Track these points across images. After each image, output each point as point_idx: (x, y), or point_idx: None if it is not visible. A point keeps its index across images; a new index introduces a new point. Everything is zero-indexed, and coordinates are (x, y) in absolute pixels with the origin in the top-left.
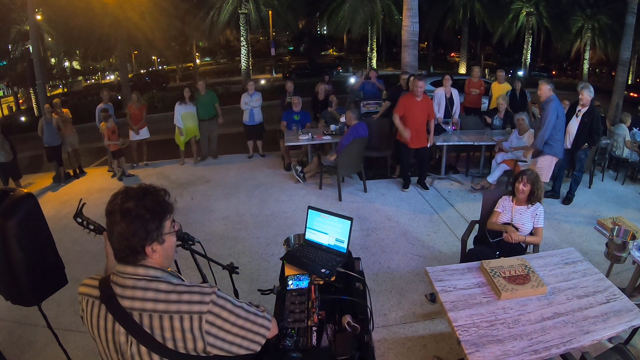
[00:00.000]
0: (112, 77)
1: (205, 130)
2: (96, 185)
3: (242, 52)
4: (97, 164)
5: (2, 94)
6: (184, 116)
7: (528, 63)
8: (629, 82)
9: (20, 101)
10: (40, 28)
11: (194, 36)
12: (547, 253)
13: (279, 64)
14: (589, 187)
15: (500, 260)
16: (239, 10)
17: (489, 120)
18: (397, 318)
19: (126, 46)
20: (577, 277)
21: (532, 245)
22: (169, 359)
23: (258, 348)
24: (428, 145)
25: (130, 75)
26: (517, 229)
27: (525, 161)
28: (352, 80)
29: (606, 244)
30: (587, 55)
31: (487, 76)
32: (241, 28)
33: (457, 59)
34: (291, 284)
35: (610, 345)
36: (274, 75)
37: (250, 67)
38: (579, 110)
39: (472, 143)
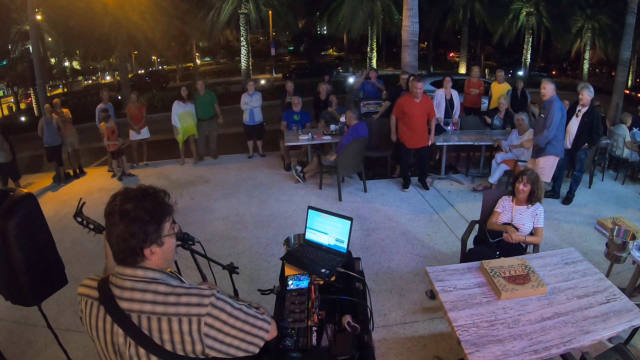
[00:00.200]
0: (109, 77)
1: (204, 130)
2: (96, 185)
3: (242, 52)
4: (97, 164)
5: (2, 94)
6: (182, 115)
7: (528, 63)
8: (628, 83)
9: (22, 104)
10: (40, 28)
11: (194, 36)
12: (547, 253)
13: (279, 64)
14: (589, 187)
15: (500, 260)
16: (239, 10)
17: (489, 120)
18: (397, 318)
19: (126, 46)
20: (577, 277)
21: (532, 245)
22: None
23: (257, 350)
24: (429, 144)
25: (130, 75)
26: (517, 229)
27: (525, 161)
28: (351, 80)
29: (606, 244)
30: (587, 55)
31: (487, 76)
32: (241, 28)
33: (457, 59)
34: (291, 284)
35: (610, 345)
36: (274, 75)
37: (250, 67)
38: (579, 110)
39: (472, 143)
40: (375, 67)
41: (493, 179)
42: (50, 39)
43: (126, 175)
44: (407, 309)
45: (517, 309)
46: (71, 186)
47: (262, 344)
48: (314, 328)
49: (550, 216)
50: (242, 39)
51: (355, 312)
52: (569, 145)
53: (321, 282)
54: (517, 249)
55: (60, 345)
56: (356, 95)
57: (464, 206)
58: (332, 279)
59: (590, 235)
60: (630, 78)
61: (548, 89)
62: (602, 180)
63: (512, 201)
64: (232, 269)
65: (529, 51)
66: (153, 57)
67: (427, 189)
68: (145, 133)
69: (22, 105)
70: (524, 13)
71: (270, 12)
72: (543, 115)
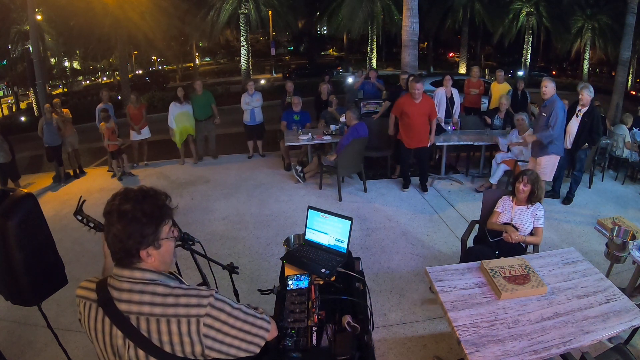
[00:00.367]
0: (105, 79)
1: (202, 131)
2: (96, 185)
3: (242, 52)
4: (97, 164)
5: (2, 94)
6: (179, 116)
7: (528, 63)
8: (628, 83)
9: (23, 104)
10: (40, 28)
11: (194, 36)
12: (547, 253)
13: (279, 64)
14: (589, 187)
15: (500, 260)
16: (239, 10)
17: (489, 120)
18: (397, 318)
19: (126, 46)
20: (577, 277)
21: (532, 245)
22: None
23: (257, 350)
24: (428, 145)
25: (129, 76)
26: (517, 229)
27: (526, 161)
28: (350, 80)
29: (606, 244)
30: (587, 55)
31: (487, 76)
32: (241, 28)
33: (457, 59)
34: (291, 284)
35: (610, 345)
36: (274, 75)
37: (250, 67)
38: (579, 110)
39: (472, 143)
40: (375, 67)
41: (494, 179)
42: (50, 39)
43: (126, 175)
44: (407, 309)
45: (517, 309)
46: (71, 186)
47: (262, 343)
48: (314, 328)
49: (550, 216)
50: (242, 39)
51: (355, 312)
52: (569, 145)
53: (321, 282)
54: (517, 249)
55: (60, 345)
56: (355, 95)
57: (464, 206)
58: (332, 279)
59: (590, 235)
60: (630, 78)
61: (549, 87)
62: (602, 180)
63: (512, 201)
64: (232, 269)
65: (529, 51)
66: (153, 57)
67: (426, 191)
68: (145, 133)
69: (23, 105)
70: (524, 13)
71: (270, 12)
72: (545, 115)
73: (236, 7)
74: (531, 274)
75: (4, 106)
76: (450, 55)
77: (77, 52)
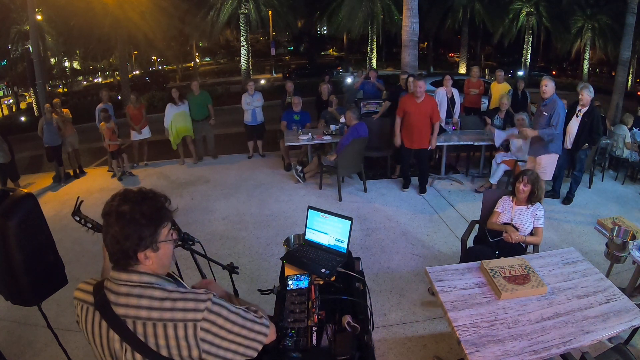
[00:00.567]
0: (100, 79)
1: (200, 131)
2: (96, 185)
3: (242, 52)
4: (97, 164)
5: (1, 94)
6: (176, 117)
7: (528, 63)
8: (628, 83)
9: (22, 104)
10: (40, 28)
11: (194, 36)
12: (547, 253)
13: (279, 64)
14: (589, 187)
15: (500, 260)
16: (239, 10)
17: (489, 120)
18: (397, 318)
19: (126, 46)
20: (577, 277)
21: (532, 245)
22: None
23: (255, 354)
24: (428, 148)
25: (130, 76)
26: (517, 229)
27: (525, 161)
28: (349, 80)
29: (606, 244)
30: (587, 55)
31: (487, 76)
32: (241, 28)
33: (457, 59)
34: (291, 284)
35: (610, 345)
36: (274, 75)
37: (250, 67)
38: (579, 110)
39: (472, 143)
40: (375, 67)
41: (494, 179)
42: (50, 39)
43: (126, 175)
44: (407, 309)
45: (517, 309)
46: (71, 186)
47: (260, 347)
48: (314, 328)
49: (550, 216)
50: (242, 39)
51: (355, 312)
52: (569, 145)
53: (321, 282)
54: (517, 249)
55: (60, 345)
56: (354, 95)
57: (464, 206)
58: (332, 279)
59: (590, 235)
60: (630, 78)
61: (550, 86)
62: (602, 180)
63: (512, 201)
64: (232, 269)
65: (529, 51)
66: (153, 57)
67: (424, 192)
68: (146, 133)
69: (23, 105)
70: (524, 13)
71: (270, 12)
72: (546, 114)
73: (236, 7)
74: (531, 274)
75: (4, 106)
76: (450, 55)
77: (77, 52)
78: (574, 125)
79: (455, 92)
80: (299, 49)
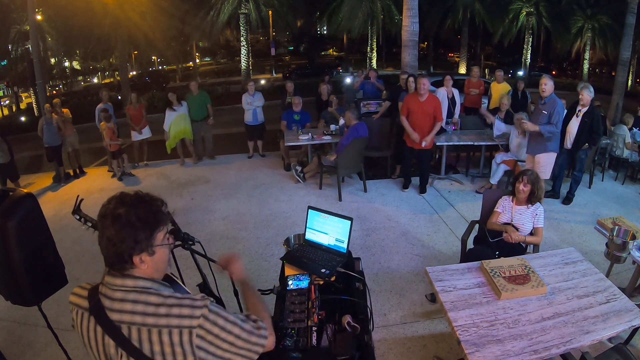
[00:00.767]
0: (96, 80)
1: (198, 131)
2: (96, 185)
3: (242, 52)
4: (97, 164)
5: (2, 94)
6: (176, 119)
7: (528, 63)
8: (628, 83)
9: (22, 104)
10: (40, 28)
11: (194, 36)
12: (547, 253)
13: (279, 64)
14: (589, 187)
15: (500, 260)
16: (239, 10)
17: (488, 120)
18: (397, 318)
19: (126, 46)
20: (577, 277)
21: (532, 245)
22: None
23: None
24: (422, 145)
25: (130, 76)
26: (517, 229)
27: (524, 160)
28: (348, 80)
29: (606, 244)
30: (587, 55)
31: (487, 76)
32: (241, 28)
33: (457, 59)
34: (291, 284)
35: (610, 345)
36: (274, 75)
37: (250, 67)
38: (579, 110)
39: (472, 143)
40: (375, 67)
41: (494, 179)
42: (50, 39)
43: (126, 175)
44: (407, 309)
45: (517, 309)
46: (71, 186)
47: (256, 357)
48: (314, 328)
49: (550, 216)
50: (242, 39)
51: (355, 312)
52: (569, 145)
53: (321, 282)
54: (517, 249)
55: (60, 345)
56: (354, 95)
57: (464, 206)
58: (332, 279)
59: (590, 235)
60: (630, 78)
61: (549, 85)
62: (602, 180)
63: (512, 201)
64: None
65: (529, 51)
66: (153, 57)
67: (424, 192)
68: (146, 133)
69: (22, 106)
70: (524, 13)
71: (270, 12)
72: (545, 112)
73: (236, 7)
74: (531, 274)
75: (4, 108)
76: (450, 55)
77: (77, 52)
78: (574, 125)
79: (455, 92)
80: (299, 49)
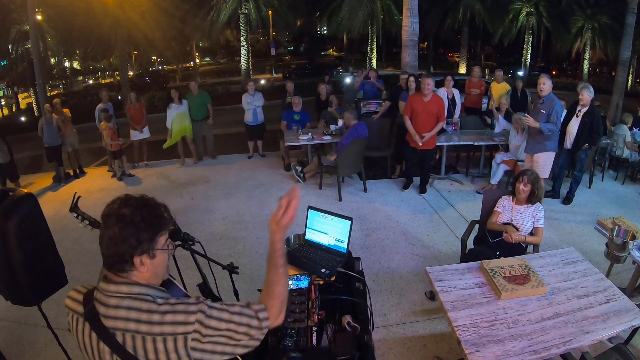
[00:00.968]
0: (91, 81)
1: (199, 131)
2: (96, 185)
3: (242, 52)
4: (97, 164)
5: (2, 94)
6: (177, 116)
7: (528, 63)
8: (628, 83)
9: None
10: (40, 28)
11: (194, 36)
12: (547, 253)
13: (279, 64)
14: (589, 187)
15: (500, 260)
16: (239, 10)
17: (488, 120)
18: (397, 318)
19: (126, 46)
20: (577, 277)
21: (532, 245)
22: None
23: (246, 351)
24: (420, 144)
25: (130, 75)
26: (517, 228)
27: (524, 160)
28: (348, 80)
29: (606, 244)
30: (587, 55)
31: (487, 76)
32: (241, 28)
33: (457, 59)
34: (291, 284)
35: (610, 345)
36: (274, 75)
37: (250, 67)
38: (579, 110)
39: (472, 143)
40: (375, 67)
41: (494, 180)
42: (50, 39)
43: (126, 176)
44: (407, 309)
45: (517, 309)
46: (71, 186)
47: (257, 343)
48: (314, 328)
49: (550, 216)
50: (242, 39)
51: (355, 312)
52: (569, 146)
53: (321, 282)
54: (517, 249)
55: (60, 345)
56: (354, 95)
57: (464, 206)
58: (332, 279)
59: (590, 235)
60: (630, 78)
61: (547, 84)
62: (602, 180)
63: (512, 201)
64: (232, 269)
65: (529, 51)
66: (153, 57)
67: (425, 192)
68: (145, 132)
69: (22, 106)
70: (524, 13)
71: (270, 12)
72: (544, 111)
73: (236, 7)
74: (531, 274)
75: (4, 108)
76: (450, 55)
77: (77, 52)
78: (574, 125)
79: (456, 92)
80: (299, 49)
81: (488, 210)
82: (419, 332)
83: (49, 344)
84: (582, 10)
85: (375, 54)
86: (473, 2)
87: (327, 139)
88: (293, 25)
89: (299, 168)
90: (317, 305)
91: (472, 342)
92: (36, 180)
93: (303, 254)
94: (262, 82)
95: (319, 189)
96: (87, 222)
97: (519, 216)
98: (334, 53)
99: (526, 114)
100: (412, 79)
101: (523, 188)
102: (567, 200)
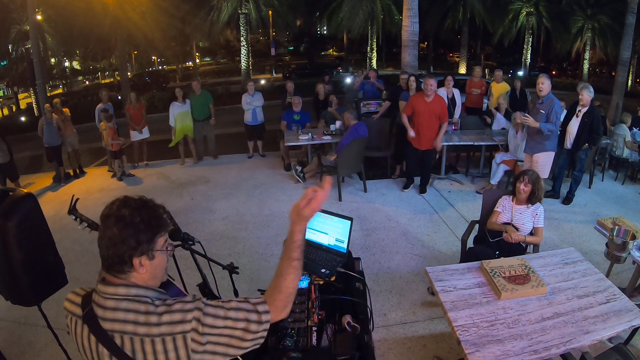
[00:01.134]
0: (87, 82)
1: (201, 131)
2: (96, 185)
3: (242, 52)
4: (97, 164)
5: (2, 94)
6: (179, 115)
7: (528, 63)
8: (628, 83)
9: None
10: (40, 28)
11: (194, 36)
12: (547, 253)
13: (279, 64)
14: (589, 187)
15: (500, 260)
16: (239, 10)
17: (488, 120)
18: (397, 318)
19: (126, 46)
20: (577, 277)
21: (532, 245)
22: None
23: (257, 345)
24: (437, 149)
25: (129, 76)
26: (517, 228)
27: (523, 160)
28: (348, 80)
29: (606, 244)
30: (587, 55)
31: (487, 76)
32: (241, 28)
33: (457, 59)
34: None
35: (610, 345)
36: (274, 75)
37: (250, 67)
38: (579, 111)
39: (472, 143)
40: (375, 67)
41: (494, 180)
42: (50, 39)
43: (126, 176)
44: (407, 309)
45: (517, 309)
46: (71, 186)
47: (261, 340)
48: (314, 328)
49: (550, 216)
50: (242, 39)
51: (355, 312)
52: (569, 146)
53: (321, 282)
54: (517, 249)
55: (61, 345)
56: (354, 95)
57: (464, 206)
58: (332, 279)
59: (590, 235)
60: (630, 78)
61: (546, 84)
62: (602, 180)
63: (512, 201)
64: (232, 269)
65: (529, 51)
66: (153, 57)
67: (425, 192)
68: (145, 133)
69: (22, 106)
70: (524, 13)
71: (270, 12)
72: (543, 111)
73: (236, 7)
74: (531, 274)
75: (4, 108)
76: (450, 55)
77: (77, 52)
78: (574, 125)
79: (456, 92)
80: (299, 49)
81: (488, 210)
82: (419, 332)
83: (49, 344)
84: (582, 10)
85: (375, 54)
86: (473, 2)
87: (327, 139)
88: (293, 25)
89: (299, 168)
90: (317, 305)
91: (472, 342)
92: (36, 180)
93: (303, 254)
94: (262, 82)
95: None
96: (86, 224)
97: (519, 216)
98: (334, 53)
99: (526, 114)
100: (412, 78)
101: (524, 188)
102: (567, 200)
